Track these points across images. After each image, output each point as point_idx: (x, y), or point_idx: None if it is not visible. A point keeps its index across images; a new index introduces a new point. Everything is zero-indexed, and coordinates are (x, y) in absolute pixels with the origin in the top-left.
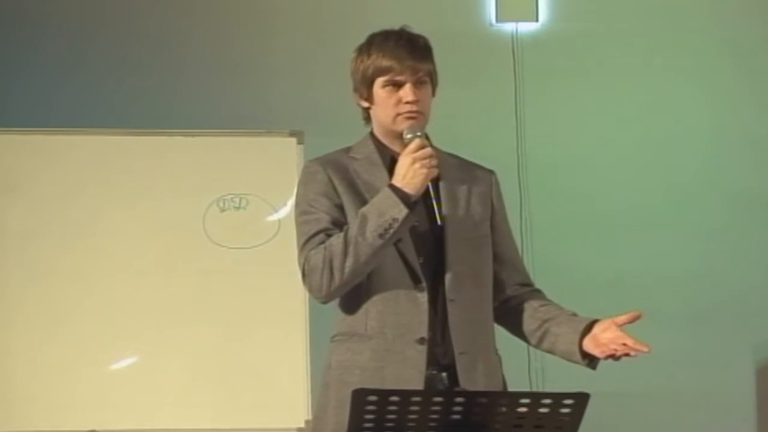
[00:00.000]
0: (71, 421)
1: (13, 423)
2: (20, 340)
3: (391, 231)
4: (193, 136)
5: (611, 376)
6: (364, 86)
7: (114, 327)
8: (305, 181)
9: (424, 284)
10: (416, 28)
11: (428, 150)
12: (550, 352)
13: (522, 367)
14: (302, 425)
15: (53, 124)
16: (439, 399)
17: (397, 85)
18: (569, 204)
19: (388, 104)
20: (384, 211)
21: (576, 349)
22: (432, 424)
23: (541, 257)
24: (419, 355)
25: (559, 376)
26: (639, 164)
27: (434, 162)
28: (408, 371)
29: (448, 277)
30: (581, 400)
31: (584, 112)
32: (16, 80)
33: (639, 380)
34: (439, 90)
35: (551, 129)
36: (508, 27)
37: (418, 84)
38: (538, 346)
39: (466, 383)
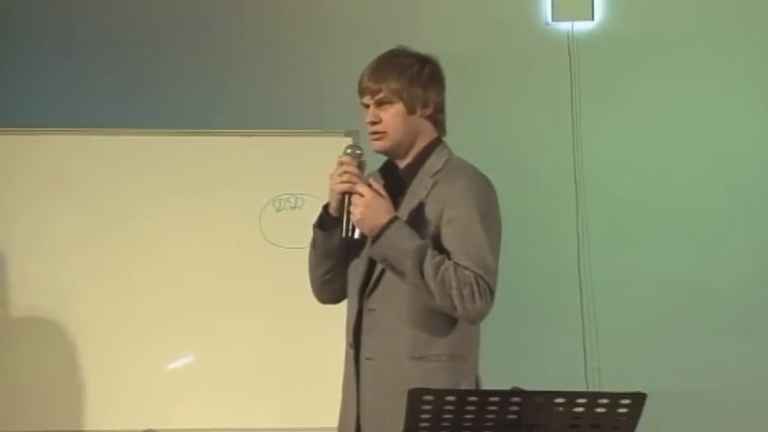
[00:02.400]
0: (128, 420)
1: (71, 421)
2: (79, 338)
3: (315, 241)
4: (249, 136)
5: (670, 376)
6: None
7: (171, 326)
8: None
9: (358, 292)
10: (471, 27)
11: (342, 167)
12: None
13: (578, 366)
14: None
15: (114, 124)
16: (495, 399)
17: (368, 107)
18: (626, 205)
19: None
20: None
21: None
22: (488, 423)
23: (598, 262)
24: (351, 357)
25: (616, 376)
26: (698, 167)
27: (343, 179)
28: (349, 373)
29: (371, 288)
30: (638, 399)
31: (641, 112)
32: (77, 82)
33: (697, 380)
34: (494, 89)
35: (608, 128)
36: (564, 26)
37: (379, 104)
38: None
39: (365, 388)
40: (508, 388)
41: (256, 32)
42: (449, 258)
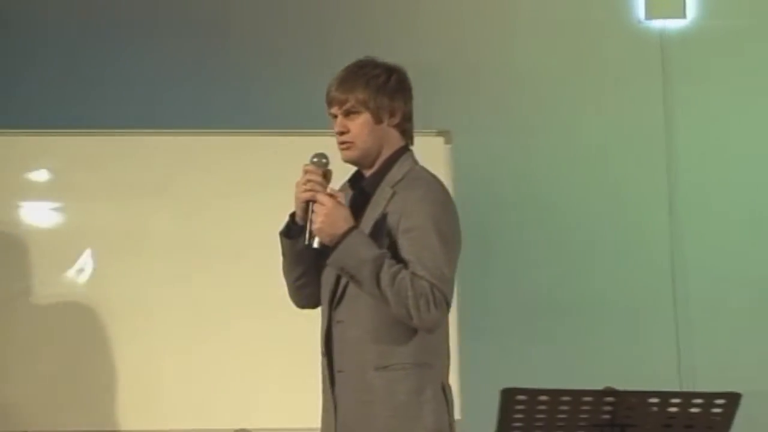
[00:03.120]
0: (221, 419)
1: (165, 420)
2: (170, 338)
3: (283, 249)
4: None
5: (765, 375)
6: None
7: (263, 325)
8: None
9: (327, 304)
10: (563, 26)
11: (306, 175)
12: None
13: (672, 366)
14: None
15: (203, 125)
16: (588, 398)
17: (335, 117)
18: (720, 209)
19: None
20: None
21: None
22: (581, 423)
23: (693, 261)
24: (325, 366)
25: (712, 375)
26: None
27: (307, 187)
28: (324, 381)
29: (336, 300)
30: (733, 399)
31: (736, 113)
32: (167, 83)
33: None
34: (586, 88)
35: (701, 130)
36: (657, 24)
37: (347, 114)
38: None
39: (339, 399)
40: (601, 388)
41: (350, 31)
42: (406, 268)
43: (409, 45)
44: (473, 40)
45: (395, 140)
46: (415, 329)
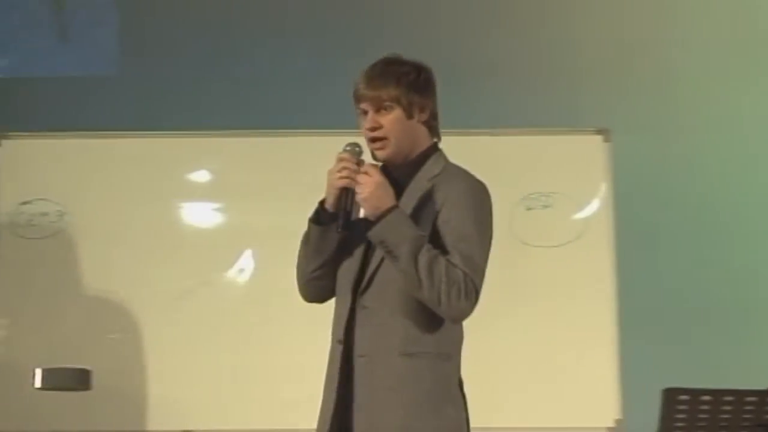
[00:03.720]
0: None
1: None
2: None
3: (310, 236)
4: (500, 135)
5: None
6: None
7: None
8: None
9: (350, 290)
10: (726, 16)
11: (341, 163)
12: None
13: None
14: (612, 424)
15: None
16: (752, 399)
17: (366, 112)
18: None
19: (364, 131)
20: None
21: None
22: (745, 424)
23: None
24: (338, 353)
25: None
26: None
27: (342, 174)
28: (333, 370)
29: (364, 286)
30: None
31: None
32: (322, 83)
33: None
34: (750, 83)
35: None
36: None
37: (380, 110)
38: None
39: (359, 383)
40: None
41: (507, 31)
42: (443, 255)
43: (568, 42)
44: (632, 36)
45: (425, 137)
46: (441, 319)
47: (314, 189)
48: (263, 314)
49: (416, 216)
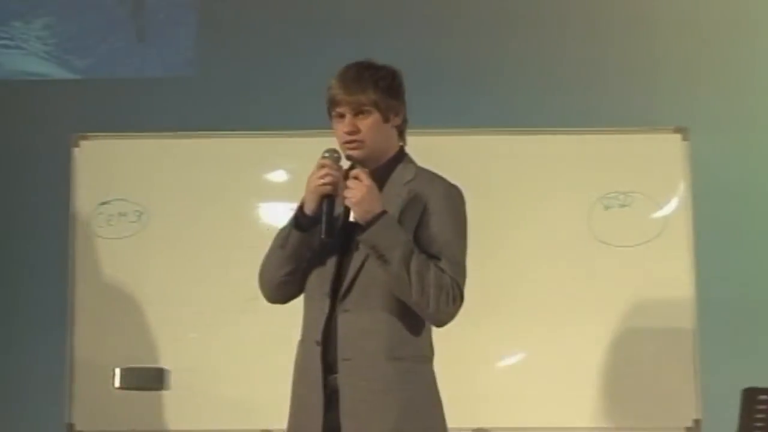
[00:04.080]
0: (460, 418)
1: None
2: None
3: (288, 241)
4: (579, 134)
5: None
6: (328, 114)
7: (500, 324)
8: None
9: (328, 293)
10: None
11: (322, 170)
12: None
13: None
14: (690, 424)
15: (436, 125)
16: None
17: (341, 116)
18: None
19: (337, 134)
20: (286, 226)
21: None
22: None
23: None
24: (317, 355)
25: None
26: None
27: (325, 180)
28: (311, 371)
29: (345, 289)
30: None
31: None
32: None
33: None
34: None
35: None
36: None
37: (358, 115)
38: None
39: (345, 387)
40: None
41: (580, 30)
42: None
43: (646, 41)
44: (710, 33)
45: (395, 141)
46: (421, 322)
47: None
48: None
49: (399, 221)
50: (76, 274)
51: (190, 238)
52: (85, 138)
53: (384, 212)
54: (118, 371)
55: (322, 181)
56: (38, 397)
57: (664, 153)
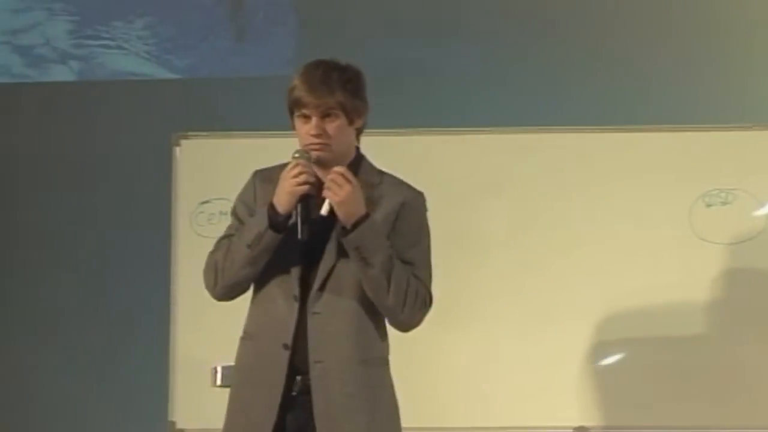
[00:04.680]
0: (559, 417)
1: (499, 418)
2: (506, 336)
3: (259, 242)
4: (678, 131)
5: None
6: (289, 116)
7: (599, 323)
8: (241, 189)
9: (297, 295)
10: None
11: (296, 170)
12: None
13: None
14: None
15: (533, 123)
16: None
17: (307, 117)
18: None
19: (301, 135)
20: (254, 225)
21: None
22: None
23: None
24: (283, 359)
25: None
26: None
27: (300, 180)
28: (274, 374)
29: (315, 291)
30: None
31: None
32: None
33: None
34: None
35: None
36: None
37: (325, 117)
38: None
39: (318, 390)
40: None
41: (680, 26)
42: None
43: (748, 36)
44: None
45: (354, 142)
46: (385, 325)
47: (489, 186)
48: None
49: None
50: (178, 273)
51: None
52: (185, 137)
53: (368, 214)
54: (219, 369)
55: (296, 180)
56: (141, 395)
57: (766, 150)
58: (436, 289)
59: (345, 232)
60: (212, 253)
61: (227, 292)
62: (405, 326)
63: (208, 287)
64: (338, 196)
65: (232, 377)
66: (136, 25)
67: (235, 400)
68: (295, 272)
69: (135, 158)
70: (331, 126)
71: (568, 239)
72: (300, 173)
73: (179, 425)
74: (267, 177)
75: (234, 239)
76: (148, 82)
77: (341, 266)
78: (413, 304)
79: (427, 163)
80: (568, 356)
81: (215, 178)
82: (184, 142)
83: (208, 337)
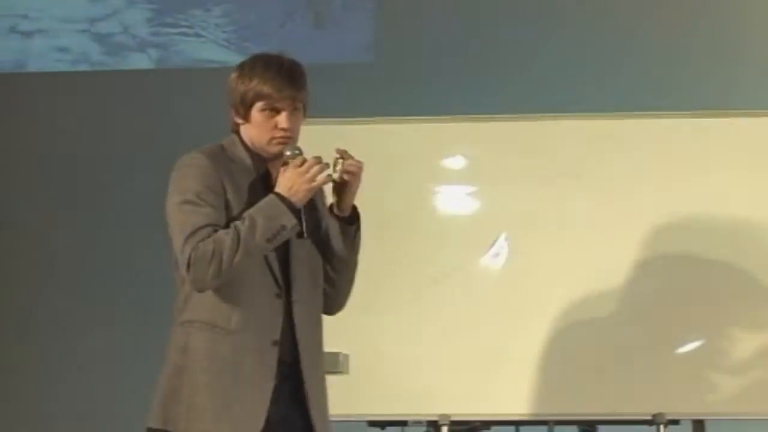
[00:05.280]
0: (638, 404)
1: (584, 405)
2: (585, 323)
3: (279, 237)
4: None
5: None
6: (243, 107)
7: (679, 310)
8: (194, 172)
9: (281, 290)
10: None
11: (317, 168)
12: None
13: None
14: None
15: (615, 109)
16: None
17: (275, 111)
18: None
19: (265, 128)
20: (274, 217)
21: (335, 222)
22: None
23: None
24: (273, 354)
25: None
26: None
27: (314, 173)
28: (263, 367)
29: (296, 283)
30: None
31: None
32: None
33: None
34: None
35: None
36: None
37: (294, 112)
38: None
39: (308, 378)
40: None
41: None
42: None
43: None
44: None
45: None
46: None
47: (568, 173)
48: (519, 299)
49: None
50: None
51: (367, 223)
52: None
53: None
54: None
55: (315, 175)
56: None
57: None
58: (520, 273)
59: (349, 219)
60: (201, 244)
61: (217, 283)
62: (339, 309)
63: (201, 279)
64: (355, 186)
65: (201, 365)
66: (214, 12)
67: (218, 395)
68: (275, 266)
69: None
70: (297, 120)
71: (647, 226)
72: (321, 169)
73: None
74: (224, 165)
75: (242, 231)
76: (225, 70)
77: (305, 257)
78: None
79: (501, 150)
80: (647, 342)
81: None
82: None
83: None
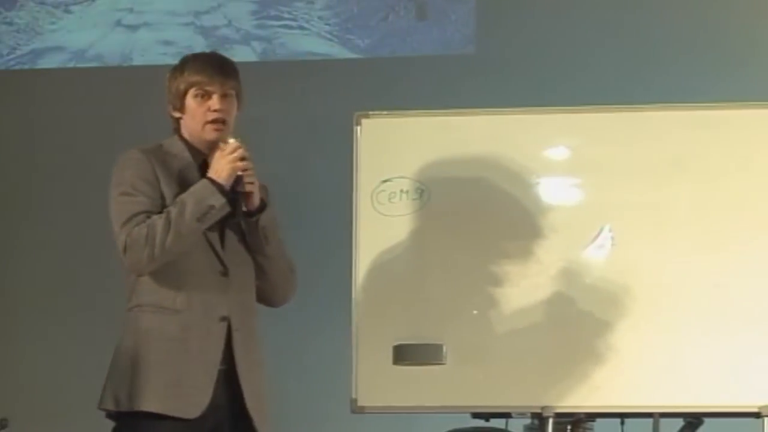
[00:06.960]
0: (745, 397)
1: (690, 397)
2: (689, 316)
3: (209, 216)
4: None
5: None
6: (178, 99)
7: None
8: (129, 165)
9: (226, 269)
10: None
11: (239, 150)
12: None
13: None
14: None
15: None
16: None
17: (207, 96)
18: None
19: (198, 112)
20: (202, 199)
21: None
22: None
23: None
24: (221, 330)
25: None
26: None
27: (239, 155)
28: (210, 344)
29: (234, 263)
30: None
31: None
32: (683, 58)
33: None
34: None
35: None
36: None
37: (225, 96)
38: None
39: (239, 357)
40: None
41: None
42: None
43: None
44: None
45: None
46: None
47: (672, 164)
48: (623, 291)
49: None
50: (359, 252)
51: (470, 215)
52: (366, 117)
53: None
54: (397, 347)
55: (236, 156)
56: (325, 374)
57: None
58: (624, 265)
59: (252, 213)
60: (135, 230)
61: (157, 266)
62: (283, 301)
63: (137, 262)
64: (255, 185)
65: (149, 343)
66: (317, 5)
67: (167, 373)
68: (217, 246)
69: (319, 138)
70: (231, 107)
71: (750, 217)
72: (240, 155)
73: (360, 402)
74: (159, 158)
75: (173, 213)
76: (329, 62)
77: (239, 238)
78: (294, 280)
79: (605, 141)
80: (755, 337)
81: (396, 157)
82: (365, 121)
83: (389, 315)
